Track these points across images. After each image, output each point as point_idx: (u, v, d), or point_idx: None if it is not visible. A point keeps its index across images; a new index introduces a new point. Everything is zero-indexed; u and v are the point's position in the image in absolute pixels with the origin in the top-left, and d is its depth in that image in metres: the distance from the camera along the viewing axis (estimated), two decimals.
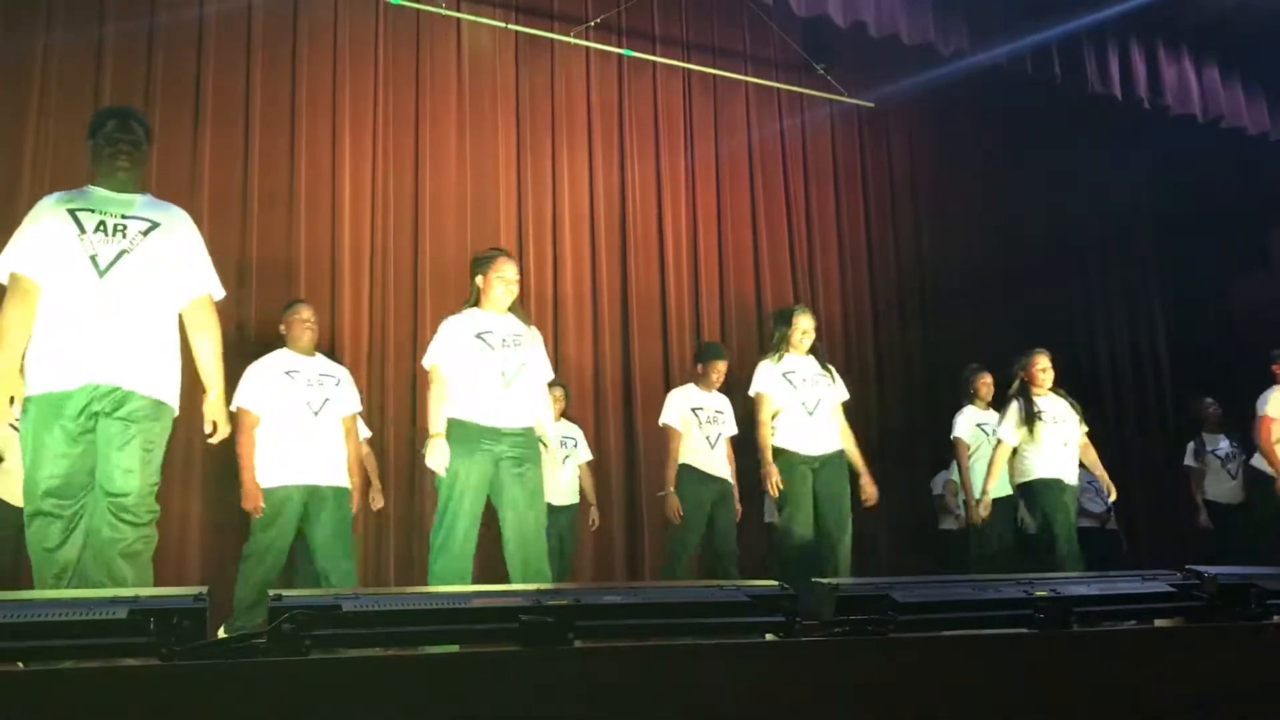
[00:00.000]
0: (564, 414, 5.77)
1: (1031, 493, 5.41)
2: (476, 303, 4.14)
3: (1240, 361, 7.93)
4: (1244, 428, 6.54)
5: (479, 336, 4.04)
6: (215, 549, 5.31)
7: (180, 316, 3.34)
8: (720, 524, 5.45)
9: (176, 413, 3.29)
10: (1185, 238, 8.40)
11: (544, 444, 4.12)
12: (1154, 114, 7.24)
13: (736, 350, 6.66)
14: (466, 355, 4.01)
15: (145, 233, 3.21)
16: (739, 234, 7.27)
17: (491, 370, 3.98)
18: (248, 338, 5.57)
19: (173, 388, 3.26)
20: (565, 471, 5.66)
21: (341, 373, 4.76)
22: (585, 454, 5.90)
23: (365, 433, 5.04)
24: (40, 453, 3.06)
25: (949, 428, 6.19)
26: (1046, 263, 8.05)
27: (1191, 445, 6.90)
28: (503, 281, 4.11)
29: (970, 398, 6.20)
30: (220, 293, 3.45)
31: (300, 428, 4.47)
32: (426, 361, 4.11)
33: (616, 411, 6.56)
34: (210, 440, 3.39)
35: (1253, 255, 8.26)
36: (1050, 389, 5.51)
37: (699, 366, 5.69)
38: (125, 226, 3.18)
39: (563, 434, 5.61)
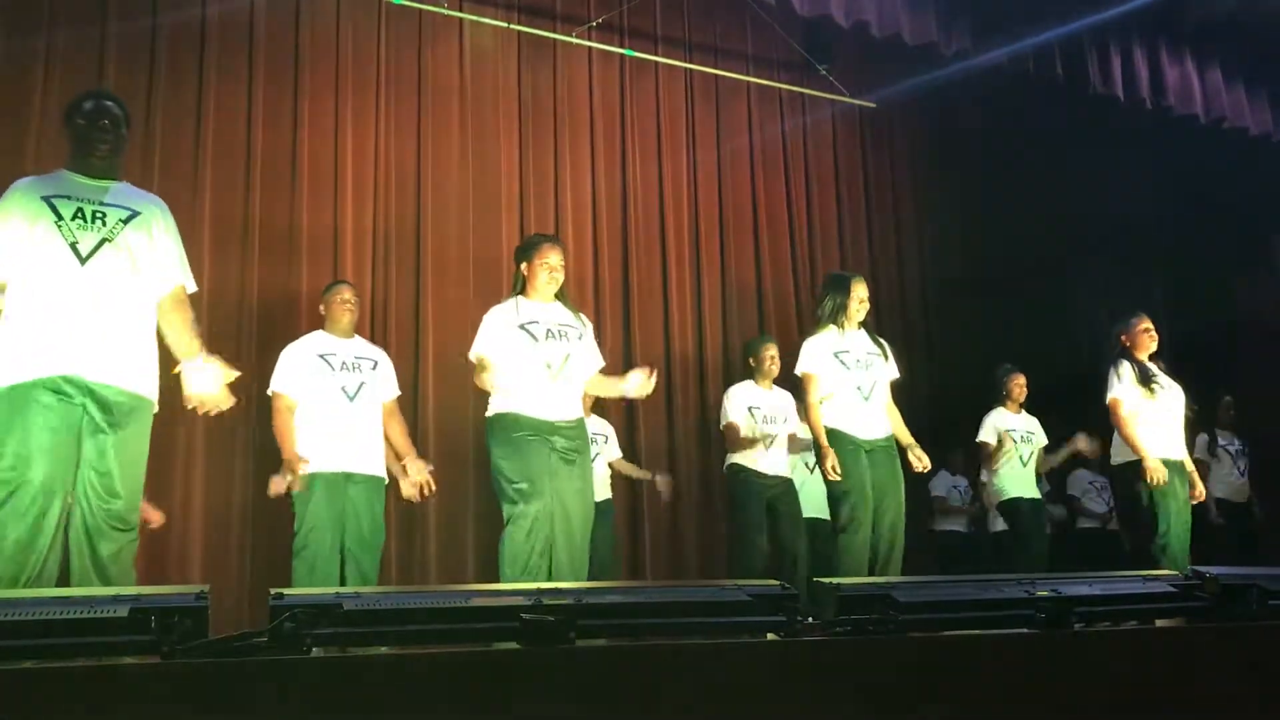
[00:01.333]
0: (593, 409, 5.70)
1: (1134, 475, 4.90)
2: (522, 291, 4.08)
3: (1243, 362, 7.92)
4: (1252, 427, 6.54)
5: (523, 328, 3.96)
6: (218, 547, 5.31)
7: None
8: (785, 523, 5.36)
9: (156, 409, 3.24)
10: (1187, 238, 8.39)
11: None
12: (1156, 114, 7.23)
13: (737, 349, 6.67)
14: (511, 347, 3.94)
15: (125, 220, 3.12)
16: (741, 234, 7.27)
17: (536, 363, 3.92)
18: (248, 340, 5.59)
19: (154, 383, 3.19)
20: (597, 468, 5.56)
21: (379, 355, 4.64)
22: (615, 451, 5.85)
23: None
24: (16, 443, 2.92)
25: (951, 428, 6.19)
26: (1048, 263, 8.04)
27: (1204, 439, 6.76)
28: (547, 268, 4.03)
29: (1002, 399, 6.16)
30: (193, 286, 3.34)
31: (335, 415, 4.36)
32: (472, 354, 4.05)
33: (618, 413, 6.55)
34: (205, 411, 3.26)
35: (1255, 256, 8.24)
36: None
37: (749, 360, 5.68)
38: (104, 214, 3.09)
39: (593, 430, 5.57)
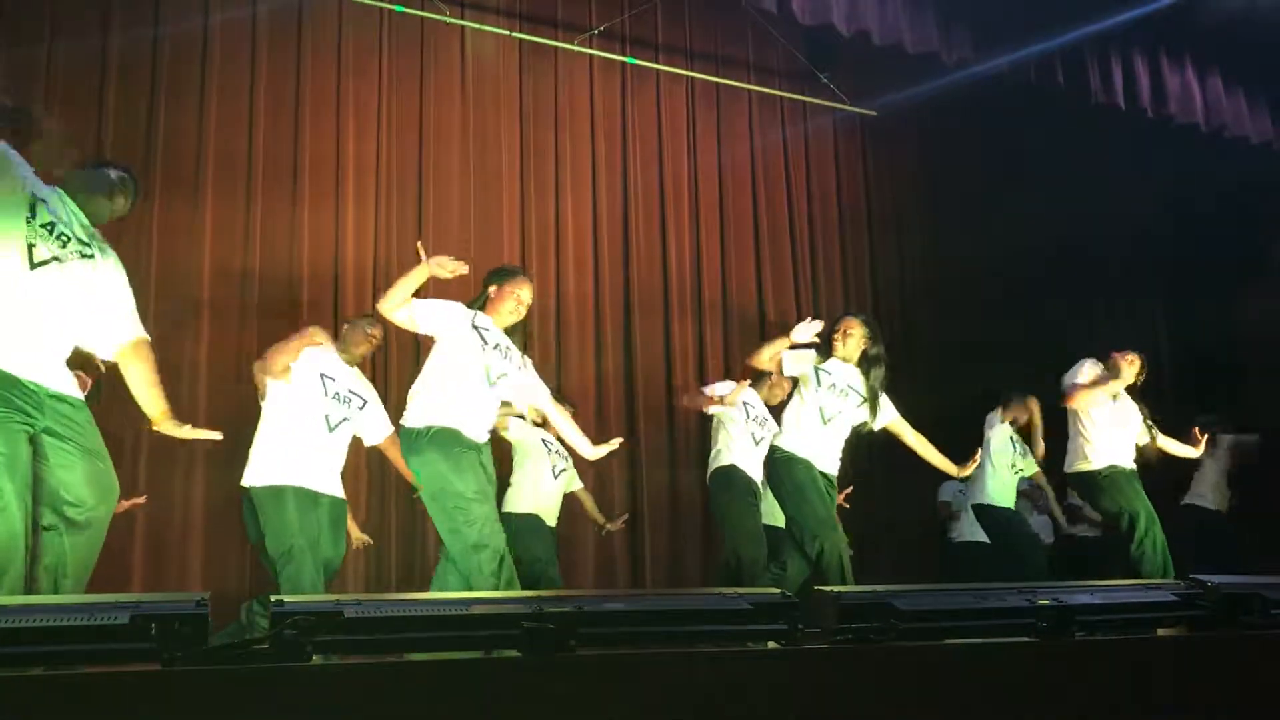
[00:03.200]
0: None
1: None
2: (482, 308, 4.09)
3: (1243, 370, 7.93)
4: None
5: (475, 328, 3.94)
6: (217, 552, 5.31)
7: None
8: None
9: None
10: (1188, 246, 8.39)
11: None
12: (1157, 123, 7.24)
13: (739, 359, 6.66)
14: (458, 336, 3.91)
15: (82, 256, 3.13)
16: (742, 242, 7.27)
17: (478, 366, 3.89)
18: (247, 350, 5.59)
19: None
20: (546, 487, 5.47)
21: (371, 395, 4.60)
22: (576, 481, 5.73)
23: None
24: None
25: (954, 435, 6.19)
26: (1050, 271, 8.04)
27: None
28: (516, 299, 4.06)
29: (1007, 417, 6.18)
30: (146, 334, 3.36)
31: (311, 437, 4.35)
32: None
33: (619, 419, 6.56)
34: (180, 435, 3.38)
35: (1255, 264, 8.24)
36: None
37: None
38: (69, 239, 3.11)
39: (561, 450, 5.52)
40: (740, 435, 5.25)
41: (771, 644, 2.47)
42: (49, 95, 5.43)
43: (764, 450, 5.10)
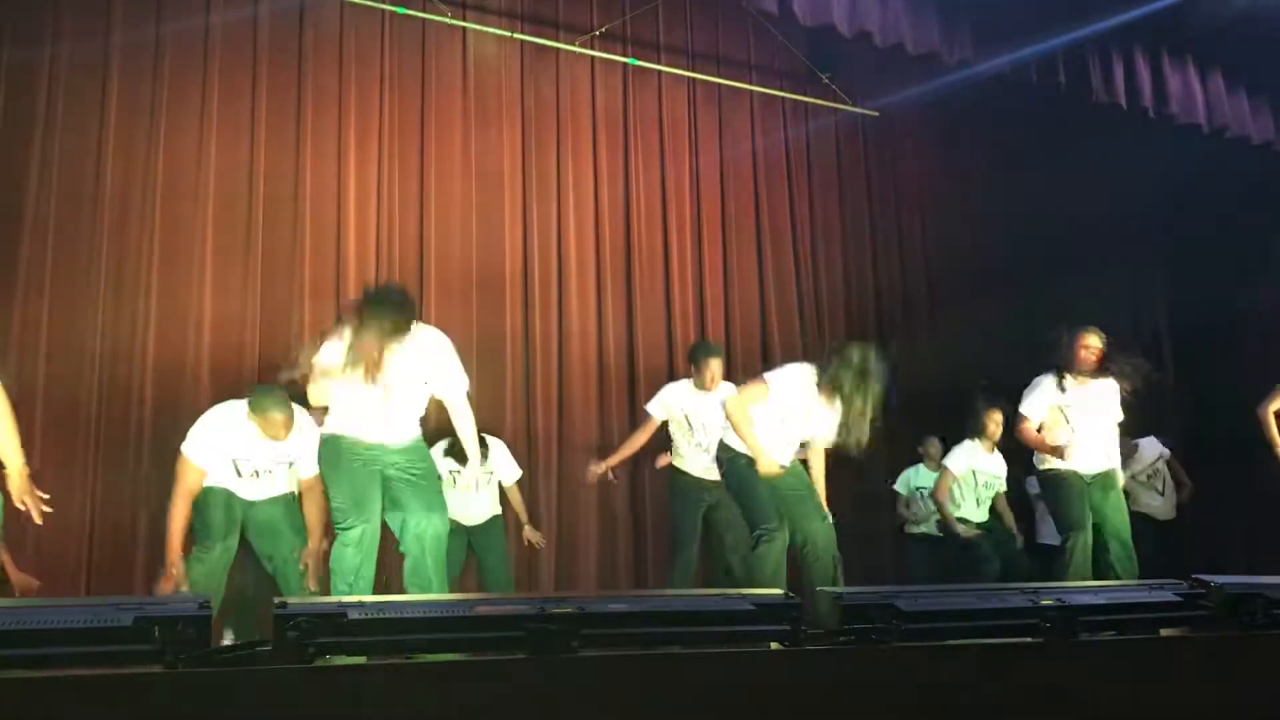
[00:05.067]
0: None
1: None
2: None
3: (1244, 369, 7.91)
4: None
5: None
6: None
7: None
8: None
9: None
10: (1189, 246, 8.38)
11: None
12: (1158, 123, 7.23)
13: (740, 359, 6.66)
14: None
15: None
16: (743, 243, 7.27)
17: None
18: (248, 349, 5.60)
19: None
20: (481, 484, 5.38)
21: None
22: (512, 474, 5.58)
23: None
24: None
25: (955, 434, 6.19)
26: (1051, 272, 8.02)
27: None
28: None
29: (978, 432, 6.11)
30: None
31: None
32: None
33: (621, 420, 6.55)
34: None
35: (1257, 264, 8.23)
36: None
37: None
38: None
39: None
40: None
41: (774, 645, 2.47)
42: (51, 96, 5.43)
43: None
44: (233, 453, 4.39)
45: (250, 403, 4.38)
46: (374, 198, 6.11)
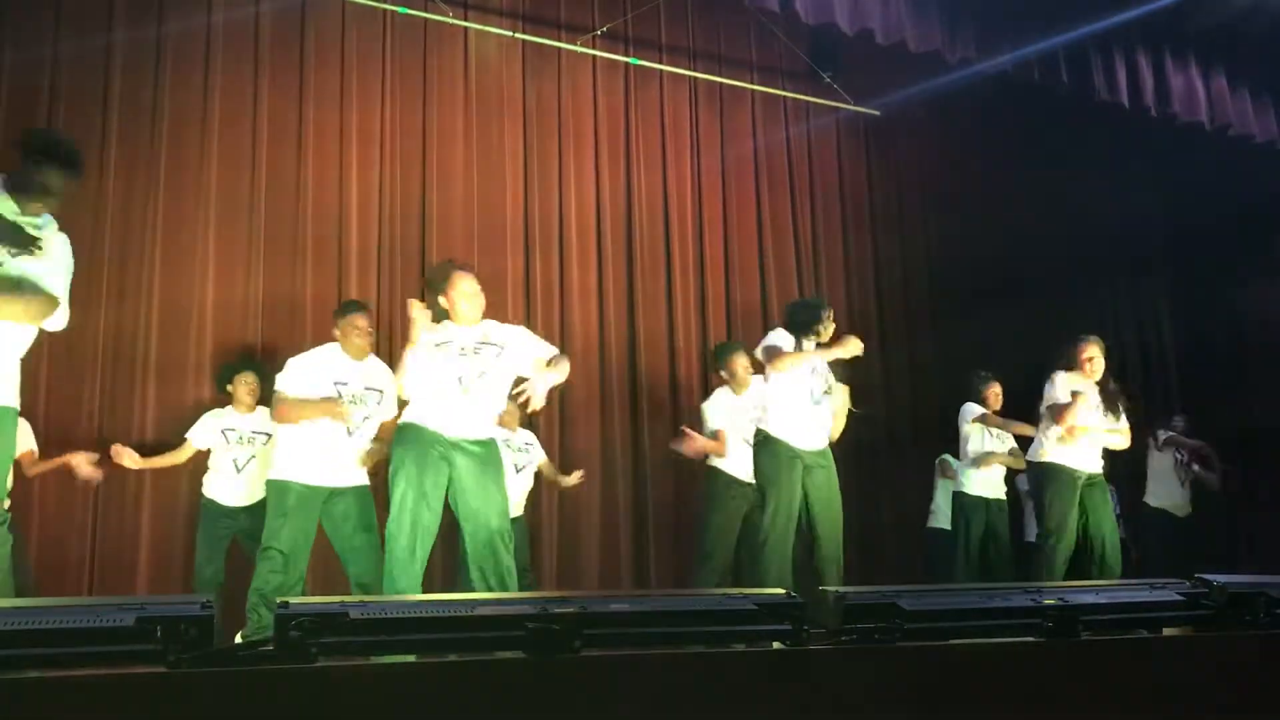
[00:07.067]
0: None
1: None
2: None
3: (1249, 369, 7.91)
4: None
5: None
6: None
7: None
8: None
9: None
10: (1192, 245, 8.38)
11: None
12: (1161, 122, 7.22)
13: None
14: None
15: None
16: (745, 242, 7.27)
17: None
18: (249, 349, 5.60)
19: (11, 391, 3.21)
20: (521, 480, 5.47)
21: (387, 382, 4.52)
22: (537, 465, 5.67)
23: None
24: None
25: (955, 431, 6.19)
26: (1053, 271, 8.03)
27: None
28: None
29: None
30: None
31: (332, 445, 4.39)
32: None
33: (623, 420, 6.55)
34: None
35: (1260, 263, 8.23)
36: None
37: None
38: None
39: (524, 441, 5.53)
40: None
41: (776, 644, 2.46)
42: (52, 94, 5.43)
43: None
44: (333, 373, 4.43)
45: (335, 314, 4.62)
46: (376, 198, 6.11)
